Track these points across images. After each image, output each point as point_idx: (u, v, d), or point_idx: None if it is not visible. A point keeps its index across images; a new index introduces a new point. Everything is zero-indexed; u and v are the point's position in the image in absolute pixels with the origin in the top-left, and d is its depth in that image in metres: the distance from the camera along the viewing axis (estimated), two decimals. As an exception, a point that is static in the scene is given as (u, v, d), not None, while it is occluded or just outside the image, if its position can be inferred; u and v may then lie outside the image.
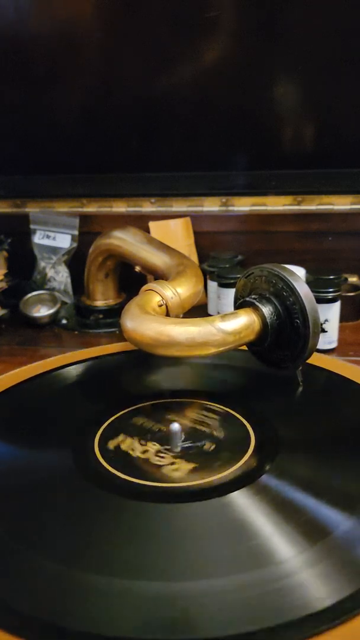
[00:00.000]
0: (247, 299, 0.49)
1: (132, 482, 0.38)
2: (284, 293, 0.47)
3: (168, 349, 0.45)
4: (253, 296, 0.49)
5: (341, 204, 0.84)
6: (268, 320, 0.48)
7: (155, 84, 0.84)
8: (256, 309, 0.48)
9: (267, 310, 0.48)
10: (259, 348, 0.50)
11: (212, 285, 0.78)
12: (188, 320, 0.46)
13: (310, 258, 0.83)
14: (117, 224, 0.74)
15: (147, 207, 0.89)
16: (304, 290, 0.47)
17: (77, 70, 0.85)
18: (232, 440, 0.43)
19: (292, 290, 0.47)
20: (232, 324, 0.46)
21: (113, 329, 0.76)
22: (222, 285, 0.75)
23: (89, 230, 0.86)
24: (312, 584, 0.30)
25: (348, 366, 0.54)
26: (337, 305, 0.67)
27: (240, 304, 0.50)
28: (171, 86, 0.84)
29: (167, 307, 0.53)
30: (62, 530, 0.35)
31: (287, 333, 0.48)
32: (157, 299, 0.52)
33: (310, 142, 0.85)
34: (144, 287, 0.54)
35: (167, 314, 0.53)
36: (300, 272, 0.73)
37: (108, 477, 0.39)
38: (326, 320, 0.66)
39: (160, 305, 0.52)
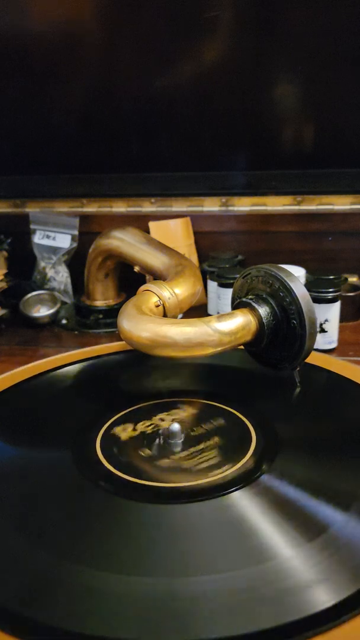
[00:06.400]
0: (244, 299, 0.49)
1: (133, 482, 0.38)
2: (281, 293, 0.47)
3: (164, 349, 0.45)
4: (250, 297, 0.49)
5: (341, 204, 0.84)
6: (264, 321, 0.47)
7: (155, 84, 0.84)
8: (253, 310, 0.48)
9: (263, 310, 0.48)
10: (256, 349, 0.50)
11: (212, 285, 0.78)
12: (184, 320, 0.46)
13: (310, 258, 0.83)
14: (117, 224, 0.74)
15: (147, 207, 0.89)
16: (300, 291, 0.47)
17: (77, 70, 0.85)
18: (232, 440, 0.43)
19: (289, 291, 0.47)
20: (229, 324, 0.46)
21: (113, 329, 0.76)
22: (222, 285, 0.75)
23: (89, 230, 0.86)
24: (312, 583, 0.30)
25: (348, 366, 0.54)
26: (337, 305, 0.67)
27: (237, 304, 0.50)
28: (171, 86, 0.84)
29: (164, 307, 0.53)
30: (62, 529, 0.35)
31: (284, 334, 0.48)
32: (154, 299, 0.52)
33: (310, 142, 0.85)
34: (141, 288, 0.54)
35: (165, 315, 0.53)
36: (300, 272, 0.73)
37: (108, 477, 0.39)
38: (326, 320, 0.66)
39: (157, 306, 0.52)
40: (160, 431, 0.45)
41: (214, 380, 0.54)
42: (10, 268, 0.83)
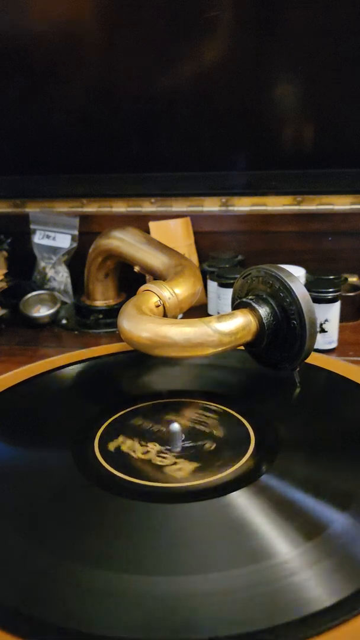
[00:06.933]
0: (244, 299, 0.49)
1: (133, 482, 0.38)
2: (281, 294, 0.47)
3: (164, 349, 0.45)
4: (250, 297, 0.49)
5: (341, 204, 0.84)
6: (265, 321, 0.47)
7: (155, 84, 0.84)
8: (253, 310, 0.48)
9: (263, 311, 0.48)
10: (256, 349, 0.50)
11: (212, 285, 0.78)
12: (184, 320, 0.46)
13: (310, 258, 0.83)
14: (117, 224, 0.74)
15: (147, 207, 0.89)
16: (300, 291, 0.47)
17: (77, 70, 0.85)
18: (232, 441, 0.43)
19: (289, 291, 0.47)
20: (229, 324, 0.46)
21: (113, 329, 0.76)
22: (222, 285, 0.75)
23: (89, 230, 0.86)
24: (312, 583, 0.30)
25: (348, 366, 0.54)
26: (337, 305, 0.67)
27: (237, 304, 0.50)
28: (171, 86, 0.84)
29: (164, 307, 0.53)
30: (62, 529, 0.35)
31: (284, 334, 0.48)
32: (154, 299, 0.52)
33: (310, 142, 0.85)
34: (142, 288, 0.54)
35: (165, 315, 0.53)
36: (300, 272, 0.73)
37: (108, 477, 0.39)
38: (326, 320, 0.66)
39: (157, 306, 0.52)
40: (159, 431, 0.45)
41: (213, 380, 0.54)
42: (10, 268, 0.83)
